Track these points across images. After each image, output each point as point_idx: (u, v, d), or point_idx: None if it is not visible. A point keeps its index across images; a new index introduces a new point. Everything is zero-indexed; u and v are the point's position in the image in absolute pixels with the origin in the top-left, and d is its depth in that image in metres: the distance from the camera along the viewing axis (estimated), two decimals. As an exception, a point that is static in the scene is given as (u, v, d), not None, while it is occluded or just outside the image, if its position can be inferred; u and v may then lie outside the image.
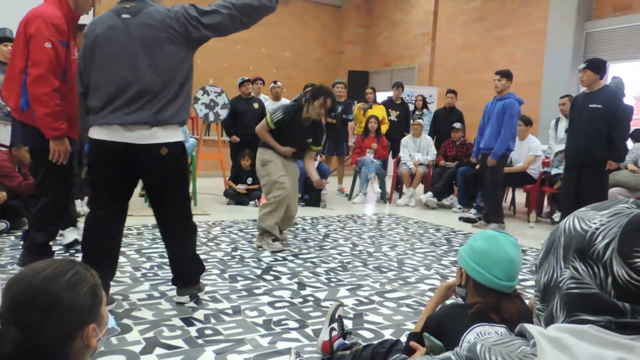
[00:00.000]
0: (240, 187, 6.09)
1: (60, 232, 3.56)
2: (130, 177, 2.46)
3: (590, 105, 4.46)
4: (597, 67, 4.45)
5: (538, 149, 5.95)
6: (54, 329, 0.94)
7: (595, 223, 0.74)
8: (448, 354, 0.82)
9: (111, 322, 1.09)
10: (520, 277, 1.58)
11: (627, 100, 6.01)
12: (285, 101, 7.01)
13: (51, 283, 0.96)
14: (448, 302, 1.69)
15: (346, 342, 2.04)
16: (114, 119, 2.30)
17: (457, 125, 6.85)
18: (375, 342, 1.86)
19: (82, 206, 4.69)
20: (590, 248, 0.72)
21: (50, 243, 2.98)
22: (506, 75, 5.22)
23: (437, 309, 1.61)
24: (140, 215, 4.91)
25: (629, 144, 5.99)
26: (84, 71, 2.39)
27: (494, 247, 1.48)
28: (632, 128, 6.42)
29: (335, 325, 2.08)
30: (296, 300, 2.79)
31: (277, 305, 2.70)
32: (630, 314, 0.70)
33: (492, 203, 5.32)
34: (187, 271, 2.60)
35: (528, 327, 0.75)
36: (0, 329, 0.95)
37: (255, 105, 6.59)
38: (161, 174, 2.41)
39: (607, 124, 4.40)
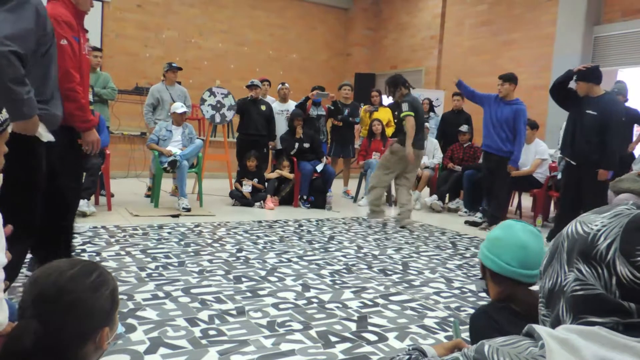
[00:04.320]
0: (247, 183, 6.08)
1: None
2: None
3: (587, 111, 4.59)
4: (589, 76, 4.55)
5: (545, 152, 5.93)
6: (74, 329, 0.95)
7: (596, 225, 0.75)
8: (456, 354, 0.82)
9: (119, 327, 1.10)
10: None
11: (634, 104, 5.99)
12: (292, 103, 7.03)
13: (77, 283, 0.97)
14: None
15: None
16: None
17: (464, 128, 6.82)
18: None
19: (88, 206, 4.72)
20: (593, 249, 0.73)
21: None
22: (509, 79, 5.28)
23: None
24: (146, 216, 4.93)
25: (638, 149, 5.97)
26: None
27: (506, 233, 1.44)
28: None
29: None
30: (300, 302, 2.78)
31: (281, 306, 2.70)
32: (637, 314, 0.70)
33: (498, 204, 5.40)
34: None
35: (536, 327, 0.75)
36: (22, 321, 0.95)
37: (263, 107, 6.60)
38: None
39: (600, 132, 4.53)
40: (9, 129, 1.46)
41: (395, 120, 5.32)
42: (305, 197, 6.27)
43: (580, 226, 0.77)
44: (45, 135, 2.23)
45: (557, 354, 0.69)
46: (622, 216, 0.74)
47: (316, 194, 6.30)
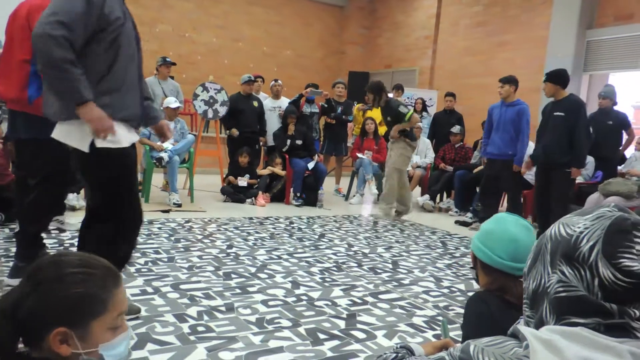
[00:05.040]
0: (242, 180, 6.07)
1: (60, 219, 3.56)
2: None
3: (554, 113, 4.72)
4: (557, 78, 4.70)
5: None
6: (32, 311, 0.92)
7: (579, 227, 0.75)
8: (442, 354, 0.82)
9: (117, 351, 0.99)
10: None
11: (625, 109, 6.04)
12: (285, 100, 7.01)
13: (55, 267, 0.96)
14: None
15: None
16: None
17: (455, 129, 6.85)
18: None
19: (77, 200, 4.69)
20: (576, 251, 0.74)
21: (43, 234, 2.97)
22: (509, 81, 5.30)
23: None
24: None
25: (631, 151, 6.03)
26: None
27: (499, 226, 1.48)
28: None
29: None
30: (290, 299, 2.79)
31: (270, 303, 2.70)
32: (618, 315, 0.71)
33: (517, 209, 5.34)
34: None
35: (521, 328, 0.76)
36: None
37: (255, 104, 6.58)
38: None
39: (568, 132, 4.64)
40: (2, 127, 1.44)
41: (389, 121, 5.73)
42: (298, 194, 6.27)
43: (563, 228, 0.78)
44: (125, 138, 2.15)
45: (541, 354, 0.70)
46: (604, 218, 0.74)
47: (308, 192, 6.30)
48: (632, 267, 0.70)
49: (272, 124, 6.76)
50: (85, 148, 2.07)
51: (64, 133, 2.11)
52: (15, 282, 2.63)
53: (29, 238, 2.78)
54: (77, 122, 2.06)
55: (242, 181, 6.08)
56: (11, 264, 2.95)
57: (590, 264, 0.72)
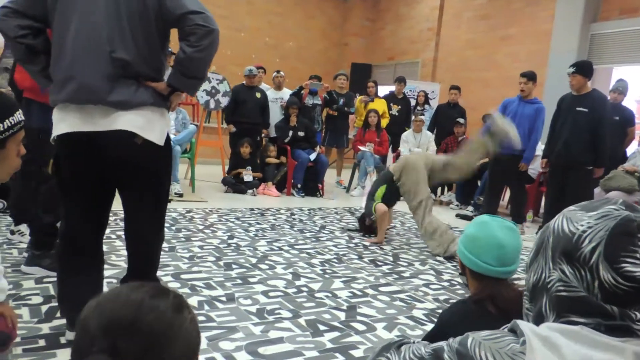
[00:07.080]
0: (247, 173, 6.07)
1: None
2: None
3: (577, 109, 4.54)
4: (586, 70, 4.52)
5: (538, 149, 5.94)
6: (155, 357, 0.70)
7: (582, 225, 0.73)
8: (442, 343, 0.82)
9: None
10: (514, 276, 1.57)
11: (629, 104, 6.00)
12: (287, 91, 6.99)
13: (156, 300, 0.73)
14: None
15: None
16: None
17: (461, 120, 6.84)
18: None
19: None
20: (577, 251, 0.72)
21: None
22: (532, 78, 5.14)
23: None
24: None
25: (634, 146, 6.01)
26: None
27: (484, 232, 1.45)
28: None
29: None
30: (290, 290, 2.79)
31: (271, 294, 2.71)
32: (619, 317, 0.70)
33: (521, 204, 5.34)
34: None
35: (520, 323, 0.75)
36: (90, 357, 0.67)
37: (258, 95, 6.55)
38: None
39: (591, 129, 4.48)
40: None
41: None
42: (299, 186, 6.28)
43: (566, 223, 0.76)
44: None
45: (539, 351, 0.69)
46: (609, 218, 0.72)
47: (309, 183, 6.34)
48: (634, 273, 0.68)
49: (274, 115, 6.75)
50: (161, 141, 1.87)
51: (141, 123, 1.81)
52: (31, 270, 2.64)
53: (44, 228, 2.75)
54: (160, 111, 1.93)
55: (247, 175, 6.07)
56: (13, 251, 2.97)
57: (591, 265, 0.71)
